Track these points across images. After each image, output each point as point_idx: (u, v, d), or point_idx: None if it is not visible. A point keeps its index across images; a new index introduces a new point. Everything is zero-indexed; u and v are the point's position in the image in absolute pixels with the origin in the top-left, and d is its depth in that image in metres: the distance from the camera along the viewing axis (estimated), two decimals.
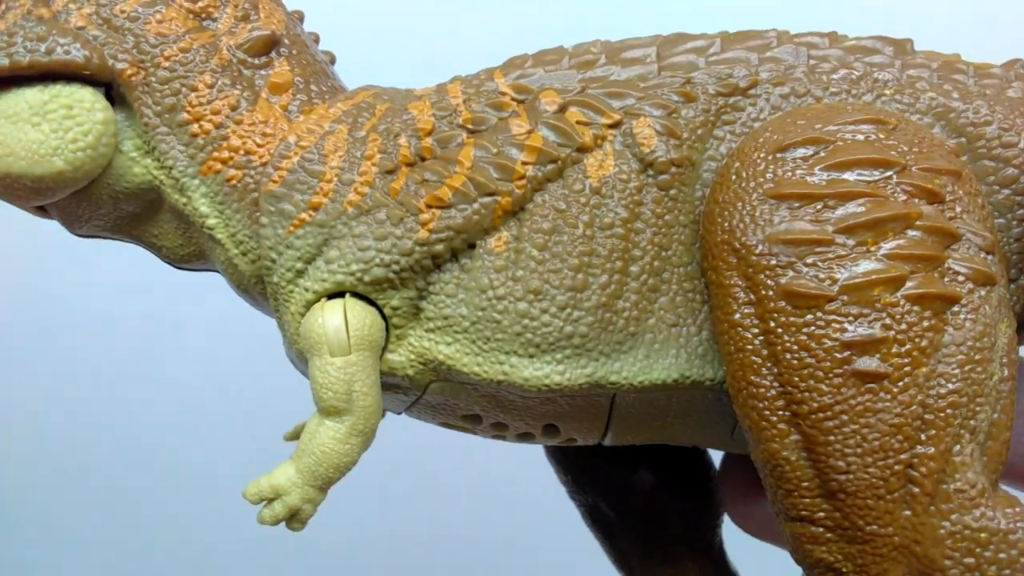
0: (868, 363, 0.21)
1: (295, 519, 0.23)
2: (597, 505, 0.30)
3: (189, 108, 0.24)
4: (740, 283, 0.22)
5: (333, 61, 0.27)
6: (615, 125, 0.23)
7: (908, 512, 0.21)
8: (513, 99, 0.24)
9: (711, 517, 0.30)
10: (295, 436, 0.29)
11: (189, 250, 0.26)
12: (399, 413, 0.26)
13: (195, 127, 0.24)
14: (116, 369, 0.51)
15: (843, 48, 0.25)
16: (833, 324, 0.21)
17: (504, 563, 0.51)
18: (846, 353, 0.21)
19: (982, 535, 0.21)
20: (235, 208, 0.24)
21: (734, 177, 0.23)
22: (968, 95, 0.24)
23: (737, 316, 0.22)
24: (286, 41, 0.25)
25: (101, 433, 0.52)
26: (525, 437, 0.26)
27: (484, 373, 0.23)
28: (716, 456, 0.31)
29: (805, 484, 0.21)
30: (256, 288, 0.25)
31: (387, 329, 0.24)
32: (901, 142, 0.22)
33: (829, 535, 0.21)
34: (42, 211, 0.26)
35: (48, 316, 0.52)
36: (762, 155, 0.23)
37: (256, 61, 0.24)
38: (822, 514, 0.21)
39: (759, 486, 0.27)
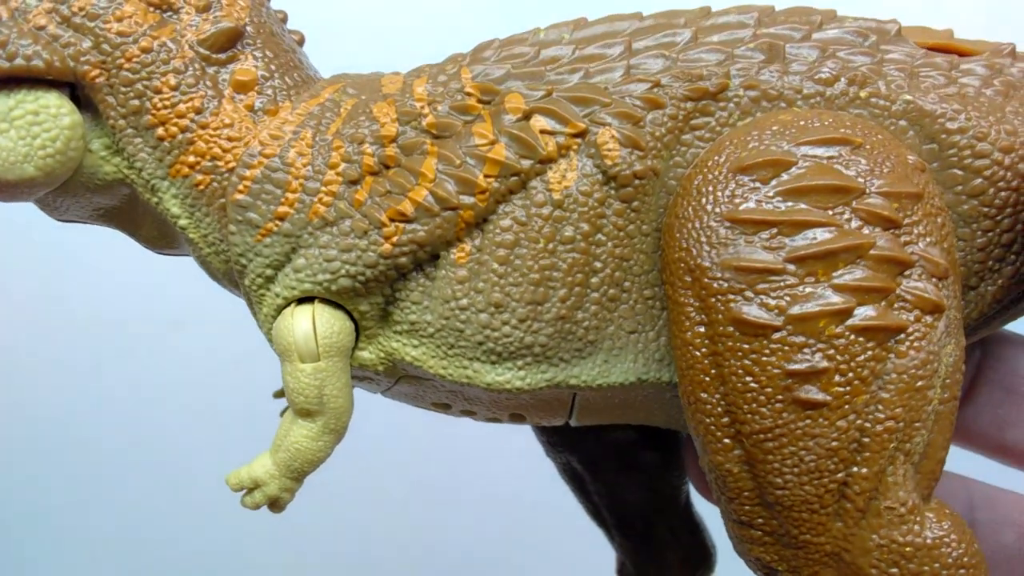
0: (809, 392, 0.22)
1: (275, 505, 0.25)
2: (570, 463, 0.32)
3: (154, 111, 0.24)
4: (693, 303, 0.22)
5: (302, 42, 0.27)
6: (580, 135, 0.23)
7: (840, 524, 0.22)
8: (479, 101, 0.24)
9: (678, 473, 0.32)
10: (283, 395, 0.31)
11: (165, 240, 0.26)
12: (375, 393, 0.28)
13: (161, 131, 0.24)
14: (116, 369, 0.52)
15: (821, 42, 0.24)
16: (778, 353, 0.22)
17: (502, 565, 0.52)
18: (788, 381, 0.22)
19: (907, 549, 0.22)
20: (204, 211, 0.24)
21: (695, 192, 0.23)
22: (946, 98, 0.24)
23: (689, 335, 0.23)
24: (250, 31, 0.25)
25: (101, 433, 0.52)
26: (493, 420, 0.27)
27: (449, 375, 0.24)
28: None
29: (746, 493, 0.23)
30: (230, 284, 0.26)
31: (357, 329, 0.25)
32: (864, 163, 0.22)
33: (767, 539, 0.23)
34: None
35: (47, 316, 0.52)
36: (723, 172, 0.23)
37: (220, 56, 0.24)
38: (761, 520, 0.23)
39: None
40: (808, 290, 0.22)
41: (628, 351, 0.24)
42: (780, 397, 0.22)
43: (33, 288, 0.52)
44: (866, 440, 0.22)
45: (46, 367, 0.52)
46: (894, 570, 0.22)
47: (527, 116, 0.23)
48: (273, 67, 0.25)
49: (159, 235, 0.26)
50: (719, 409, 0.22)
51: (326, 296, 0.24)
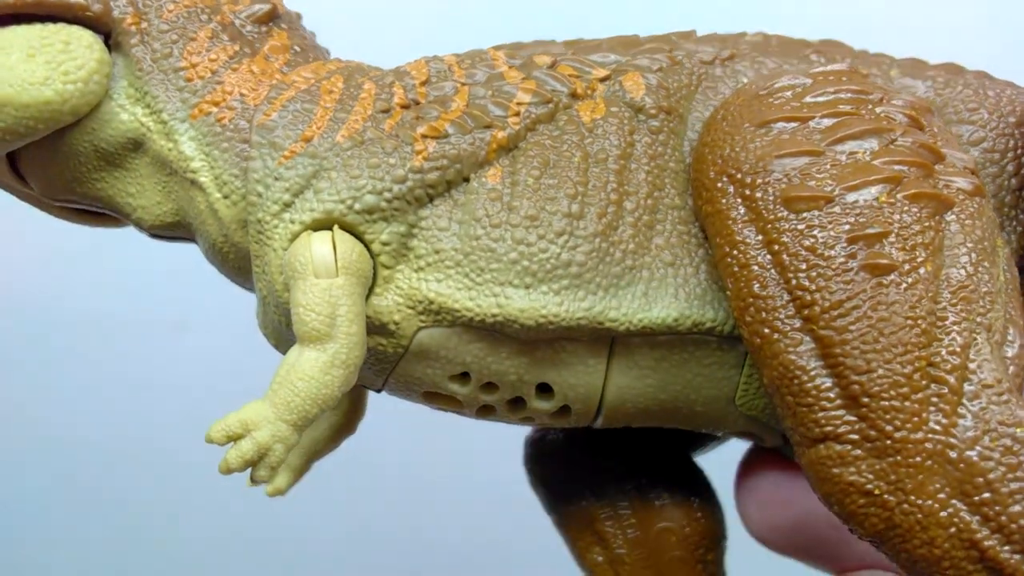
0: (876, 255, 0.20)
1: (263, 464, 0.21)
2: (590, 528, 0.27)
3: (186, 55, 0.24)
4: (737, 203, 0.22)
5: (328, 54, 0.28)
6: (605, 79, 0.24)
7: (937, 415, 0.20)
8: (505, 63, 0.25)
9: (715, 540, 0.28)
10: None
11: (167, 207, 0.25)
12: (379, 389, 0.25)
13: (190, 72, 0.24)
14: (116, 369, 0.50)
15: (810, 43, 0.27)
16: (836, 220, 0.21)
17: (503, 564, 0.49)
18: (852, 248, 0.21)
19: (1019, 431, 0.19)
20: (223, 148, 0.24)
21: (721, 121, 0.23)
22: (927, 74, 0.26)
23: (738, 236, 0.22)
24: (285, 20, 0.26)
25: (101, 434, 0.50)
26: (515, 405, 0.24)
27: (477, 308, 0.22)
28: (718, 480, 0.29)
29: (825, 395, 0.20)
30: (236, 236, 0.24)
31: (374, 270, 0.23)
32: (876, 83, 0.24)
33: (856, 451, 0.20)
34: (21, 180, 0.25)
35: (47, 316, 0.51)
36: (746, 99, 0.23)
37: (257, 29, 0.25)
38: (846, 427, 0.20)
39: (788, 483, 0.25)
40: (853, 164, 0.21)
41: (668, 284, 0.23)
42: (847, 266, 0.20)
43: (33, 288, 0.50)
44: (943, 313, 0.20)
45: (46, 367, 0.50)
46: (1010, 458, 0.19)
47: (554, 65, 0.25)
48: (305, 44, 0.26)
49: (161, 200, 0.25)
50: (781, 301, 0.21)
51: (348, 218, 0.22)
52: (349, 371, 0.21)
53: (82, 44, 0.23)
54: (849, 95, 0.23)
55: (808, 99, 0.23)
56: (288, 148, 0.23)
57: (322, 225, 0.23)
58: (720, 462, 0.29)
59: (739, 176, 0.22)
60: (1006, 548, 0.19)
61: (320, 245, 0.22)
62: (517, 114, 0.23)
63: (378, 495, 0.50)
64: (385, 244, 0.23)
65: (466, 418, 0.25)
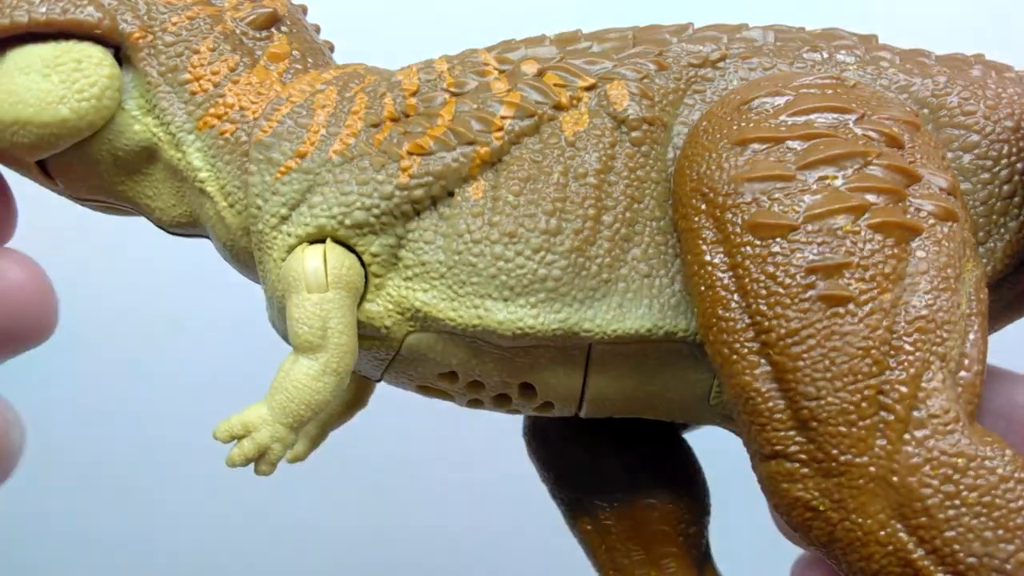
0: (833, 287, 0.21)
1: (264, 460, 0.23)
2: (580, 500, 0.29)
3: (190, 68, 0.25)
4: (708, 224, 0.23)
5: (332, 49, 0.29)
6: (590, 88, 0.25)
7: (882, 441, 0.21)
8: (495, 68, 0.26)
9: (698, 516, 0.29)
10: None
11: (181, 210, 0.27)
12: (378, 379, 0.27)
13: (195, 86, 0.25)
14: (116, 368, 0.52)
15: (809, 34, 0.27)
16: (797, 251, 0.21)
17: (503, 561, 0.51)
18: (811, 278, 0.21)
19: (959, 460, 0.20)
20: (226, 160, 0.25)
21: (702, 134, 0.24)
22: (928, 71, 0.26)
23: (707, 256, 0.22)
24: (287, 21, 0.27)
25: (99, 433, 0.52)
26: (501, 400, 0.26)
27: (459, 318, 0.24)
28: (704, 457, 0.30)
29: (778, 415, 0.21)
30: (242, 241, 0.26)
31: (366, 278, 0.24)
32: (861, 96, 0.24)
33: (804, 470, 0.21)
34: (48, 178, 0.27)
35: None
36: (728, 110, 0.24)
37: (257, 34, 0.26)
38: (796, 447, 0.21)
39: None
40: (821, 191, 0.22)
41: (643, 295, 0.24)
42: (804, 296, 0.21)
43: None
44: (897, 342, 0.21)
45: (44, 367, 0.50)
46: (949, 487, 0.20)
47: (541, 73, 0.25)
48: (305, 48, 0.27)
49: (175, 203, 0.27)
50: (742, 324, 0.22)
51: (339, 233, 0.24)
52: (340, 377, 0.23)
53: (92, 62, 0.25)
54: (828, 114, 0.23)
55: (786, 117, 0.23)
56: (284, 164, 0.24)
57: (316, 238, 0.24)
58: (706, 435, 0.30)
59: (711, 196, 0.23)
60: (940, 569, 0.20)
61: (312, 260, 0.23)
62: (500, 128, 0.24)
63: (377, 490, 0.51)
64: (375, 255, 0.24)
65: (464, 416, 0.27)
